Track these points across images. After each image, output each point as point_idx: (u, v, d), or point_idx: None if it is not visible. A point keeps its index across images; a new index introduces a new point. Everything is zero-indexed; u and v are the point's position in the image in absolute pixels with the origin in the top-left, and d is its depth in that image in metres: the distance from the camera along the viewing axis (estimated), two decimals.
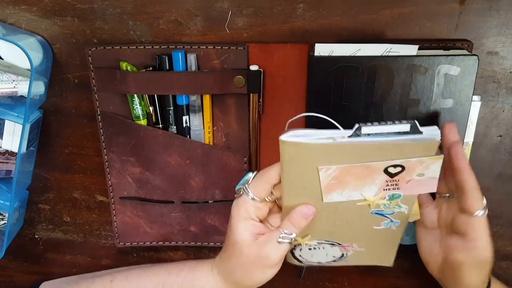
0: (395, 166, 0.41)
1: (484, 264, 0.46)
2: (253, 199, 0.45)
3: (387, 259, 0.53)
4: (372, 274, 0.64)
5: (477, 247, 0.45)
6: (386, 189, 0.43)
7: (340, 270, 0.64)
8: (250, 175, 0.47)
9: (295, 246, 0.51)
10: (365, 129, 0.39)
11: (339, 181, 0.42)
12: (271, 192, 0.46)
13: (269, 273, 0.46)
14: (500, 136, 0.55)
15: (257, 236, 0.45)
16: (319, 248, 0.50)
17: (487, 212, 0.45)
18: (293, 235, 0.45)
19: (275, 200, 0.47)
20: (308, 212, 0.45)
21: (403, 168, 0.41)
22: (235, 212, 0.46)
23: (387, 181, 0.42)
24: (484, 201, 0.44)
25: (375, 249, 0.51)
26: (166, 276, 0.48)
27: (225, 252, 0.48)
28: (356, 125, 0.39)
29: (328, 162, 0.41)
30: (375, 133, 0.39)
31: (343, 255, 0.51)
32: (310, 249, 0.50)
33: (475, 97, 0.52)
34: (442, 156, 0.40)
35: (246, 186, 0.46)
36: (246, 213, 0.45)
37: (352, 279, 0.65)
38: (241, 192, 0.46)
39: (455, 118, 0.49)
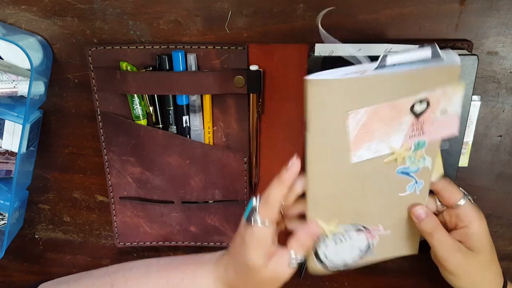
0: (421, 101, 0.41)
1: (486, 253, 0.48)
2: (266, 225, 0.45)
3: (412, 245, 0.51)
4: (372, 274, 0.63)
5: (472, 232, 0.47)
6: (412, 136, 0.43)
7: None
8: (254, 202, 0.46)
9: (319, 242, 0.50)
10: (390, 59, 0.39)
11: (367, 130, 0.41)
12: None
13: None
14: (500, 136, 0.55)
15: (269, 257, 0.45)
16: (345, 239, 0.49)
17: (470, 199, 0.48)
18: (302, 258, 0.46)
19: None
20: (315, 230, 0.46)
21: (428, 104, 0.41)
22: (249, 240, 0.45)
23: (413, 125, 0.42)
24: (462, 191, 0.48)
25: (401, 228, 0.50)
26: (166, 286, 0.48)
27: (232, 267, 0.47)
28: (382, 55, 0.39)
29: (356, 104, 0.40)
30: (400, 63, 0.39)
31: (369, 247, 0.50)
32: (336, 242, 0.49)
33: (475, 97, 0.52)
34: (463, 84, 0.41)
35: (257, 217, 0.45)
36: (260, 242, 0.45)
37: (352, 279, 0.64)
38: (252, 224, 0.45)
39: None
